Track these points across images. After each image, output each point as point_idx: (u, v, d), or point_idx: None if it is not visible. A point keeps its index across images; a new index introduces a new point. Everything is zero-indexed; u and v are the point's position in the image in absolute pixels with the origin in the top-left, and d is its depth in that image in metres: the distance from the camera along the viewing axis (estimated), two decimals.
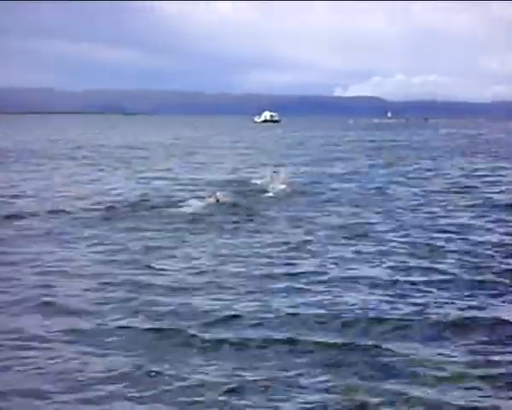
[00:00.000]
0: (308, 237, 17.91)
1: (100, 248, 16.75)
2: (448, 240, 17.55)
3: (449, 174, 36.50)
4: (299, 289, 12.89)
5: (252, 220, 20.74)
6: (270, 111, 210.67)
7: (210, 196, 24.12)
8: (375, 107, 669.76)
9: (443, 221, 20.80)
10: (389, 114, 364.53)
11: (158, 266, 14.69)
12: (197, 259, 15.50)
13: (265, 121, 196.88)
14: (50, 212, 22.02)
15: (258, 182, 29.90)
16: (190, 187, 29.40)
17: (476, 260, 15.25)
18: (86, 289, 12.96)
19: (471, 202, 24.80)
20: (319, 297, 12.35)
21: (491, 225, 19.85)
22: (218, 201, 23.77)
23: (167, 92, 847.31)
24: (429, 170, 39.39)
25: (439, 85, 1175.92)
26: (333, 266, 14.77)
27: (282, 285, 13.11)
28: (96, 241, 17.59)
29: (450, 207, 23.72)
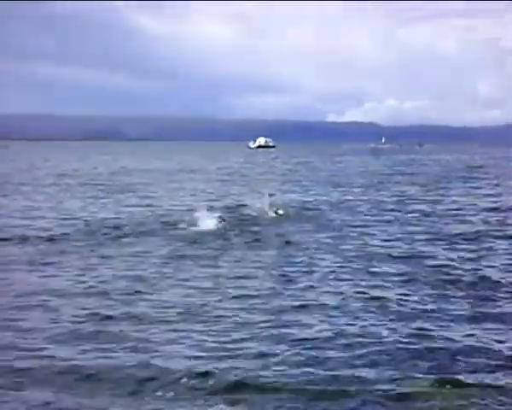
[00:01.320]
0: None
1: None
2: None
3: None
4: None
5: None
6: (265, 137, 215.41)
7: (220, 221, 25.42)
8: (369, 132, 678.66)
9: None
10: (383, 140, 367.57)
11: None
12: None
13: (260, 147, 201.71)
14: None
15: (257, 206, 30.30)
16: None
17: None
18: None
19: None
20: None
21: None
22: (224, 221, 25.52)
23: (165, 117, 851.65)
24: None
25: (432, 110, 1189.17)
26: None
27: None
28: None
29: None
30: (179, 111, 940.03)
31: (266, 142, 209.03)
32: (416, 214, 30.31)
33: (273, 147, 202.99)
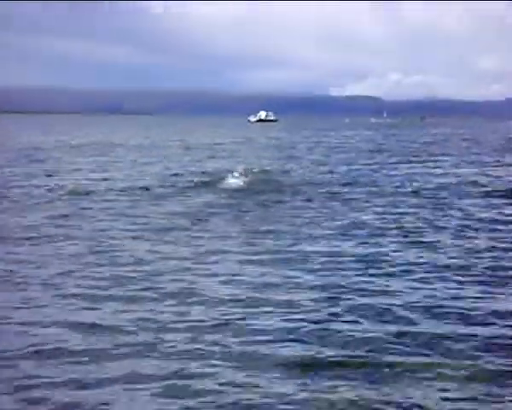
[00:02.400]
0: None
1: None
2: None
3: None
4: None
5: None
6: (267, 111, 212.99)
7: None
8: (371, 106, 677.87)
9: None
10: (385, 114, 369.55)
11: None
12: None
13: (260, 121, 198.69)
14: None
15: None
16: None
17: None
18: None
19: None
20: None
21: None
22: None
23: (166, 92, 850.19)
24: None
25: (437, 85, 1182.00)
26: None
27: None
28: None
29: None
30: (180, 85, 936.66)
31: (267, 115, 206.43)
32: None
33: (275, 121, 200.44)
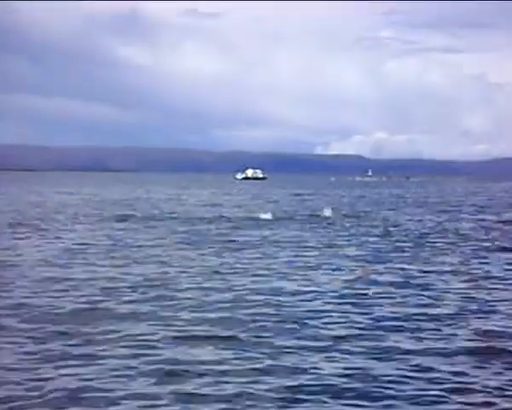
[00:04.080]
0: None
1: None
2: None
3: None
4: None
5: None
6: (254, 168, 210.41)
7: None
8: (357, 165, 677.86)
9: None
10: (370, 173, 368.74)
11: None
12: None
13: (247, 178, 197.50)
14: None
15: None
16: None
17: None
18: None
19: None
20: None
21: None
22: None
23: (150, 149, 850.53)
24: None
25: (421, 143, 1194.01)
26: None
27: None
28: None
29: None
30: (164, 143, 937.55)
31: (254, 173, 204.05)
32: None
33: (264, 178, 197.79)
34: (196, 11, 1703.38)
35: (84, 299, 17.92)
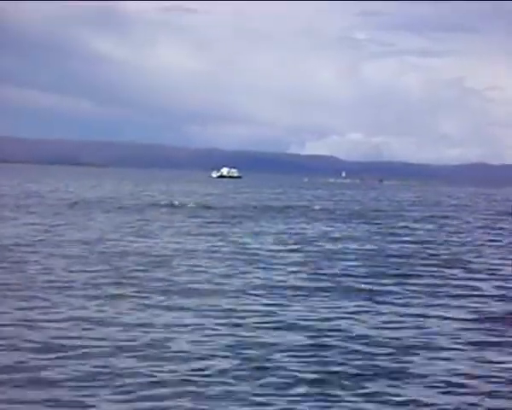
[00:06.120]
0: None
1: None
2: None
3: None
4: None
5: None
6: (229, 167, 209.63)
7: None
8: (330, 166, 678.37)
9: None
10: (343, 174, 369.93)
11: None
12: None
13: (222, 177, 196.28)
14: None
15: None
16: None
17: None
18: None
19: None
20: None
21: None
22: None
23: (125, 144, 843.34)
24: None
25: (396, 146, 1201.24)
26: None
27: None
28: None
29: None
30: (138, 138, 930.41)
31: (229, 172, 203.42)
32: None
33: (239, 177, 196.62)
34: (174, 7, 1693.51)
35: None
